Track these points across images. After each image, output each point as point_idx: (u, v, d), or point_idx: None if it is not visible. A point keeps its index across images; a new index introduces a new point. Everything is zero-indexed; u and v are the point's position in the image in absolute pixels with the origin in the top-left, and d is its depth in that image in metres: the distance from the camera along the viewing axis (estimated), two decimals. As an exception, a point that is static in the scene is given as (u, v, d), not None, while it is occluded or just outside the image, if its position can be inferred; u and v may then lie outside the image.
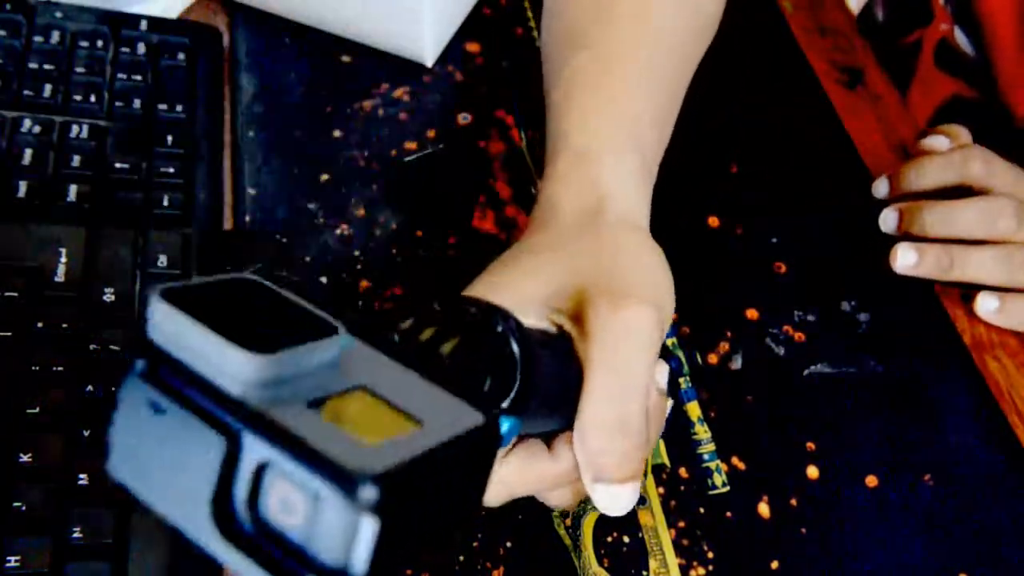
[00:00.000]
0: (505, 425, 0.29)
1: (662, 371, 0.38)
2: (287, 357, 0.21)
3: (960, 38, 0.65)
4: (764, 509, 0.44)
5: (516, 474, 0.35)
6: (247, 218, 0.52)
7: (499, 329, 0.30)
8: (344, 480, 0.19)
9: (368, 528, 0.19)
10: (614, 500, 0.35)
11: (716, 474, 0.45)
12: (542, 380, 0.31)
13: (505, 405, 0.29)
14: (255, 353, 0.20)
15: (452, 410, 0.23)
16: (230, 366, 0.20)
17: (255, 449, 0.20)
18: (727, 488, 0.45)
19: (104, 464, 0.22)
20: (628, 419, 0.34)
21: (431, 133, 0.57)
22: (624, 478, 0.34)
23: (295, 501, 0.20)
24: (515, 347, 0.30)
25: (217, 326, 0.21)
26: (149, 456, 0.22)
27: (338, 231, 0.52)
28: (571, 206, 0.40)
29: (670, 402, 0.41)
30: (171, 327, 0.21)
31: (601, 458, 0.34)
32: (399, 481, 0.19)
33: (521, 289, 0.36)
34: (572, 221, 0.39)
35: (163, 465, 0.21)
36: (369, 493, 0.19)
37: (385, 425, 0.22)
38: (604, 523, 0.43)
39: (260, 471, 0.20)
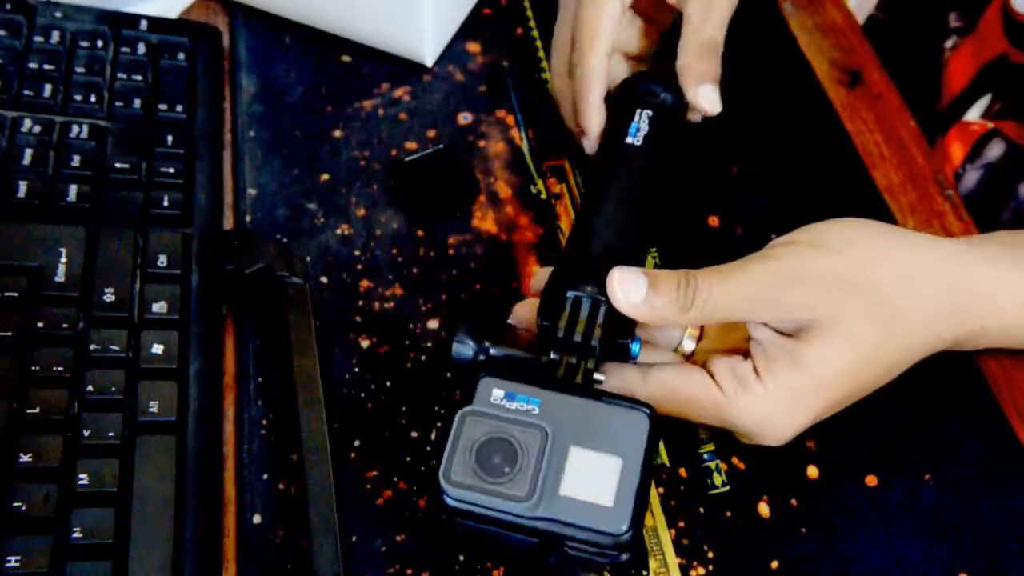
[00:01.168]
0: (635, 347, 0.42)
1: None
2: (538, 482, 0.37)
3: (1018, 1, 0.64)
4: (764, 509, 0.44)
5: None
6: (247, 218, 0.52)
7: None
8: (609, 537, 0.36)
9: (630, 549, 0.37)
10: (711, 97, 0.49)
11: (716, 474, 0.45)
12: None
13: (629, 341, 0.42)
14: (521, 501, 0.36)
15: (628, 422, 0.38)
16: (512, 508, 0.37)
17: (553, 536, 0.37)
18: (727, 488, 0.45)
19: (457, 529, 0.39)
20: (716, 48, 0.49)
21: (431, 133, 0.57)
22: (715, 79, 0.49)
23: (586, 548, 0.37)
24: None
25: (488, 476, 0.37)
26: (486, 537, 0.39)
27: (338, 231, 0.52)
28: None
29: None
30: (461, 496, 0.37)
31: (702, 68, 0.49)
32: (634, 516, 0.37)
33: None
34: None
35: (498, 544, 0.39)
36: (625, 537, 0.36)
37: (601, 470, 0.37)
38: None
39: (559, 542, 0.37)
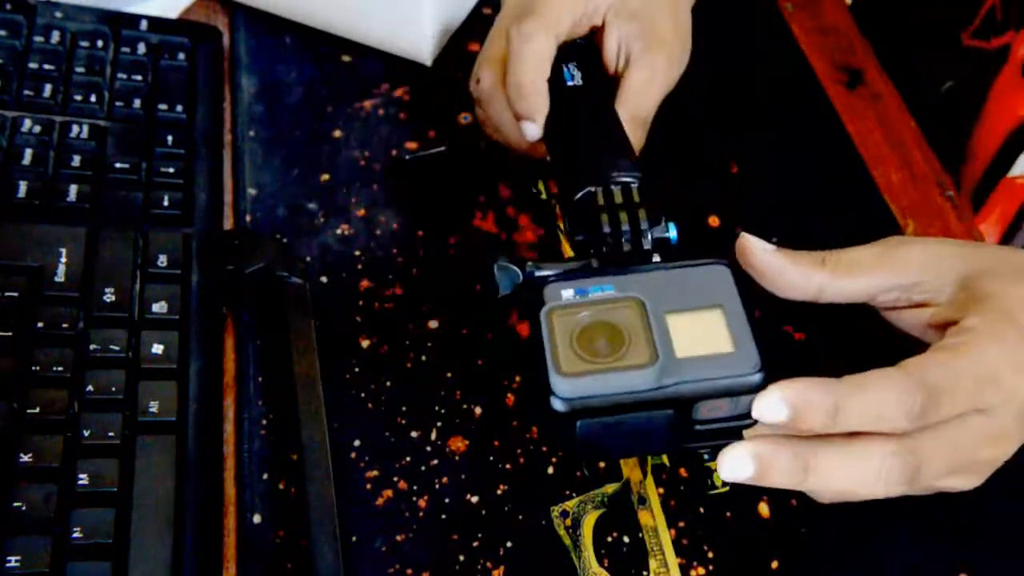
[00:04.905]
0: (673, 230, 0.41)
1: None
2: (655, 347, 0.34)
3: None
4: (764, 509, 0.44)
5: None
6: (247, 218, 0.52)
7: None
8: (745, 379, 0.34)
9: (764, 378, 0.34)
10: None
11: (716, 474, 0.45)
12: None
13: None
14: (645, 367, 0.34)
15: (711, 276, 0.37)
16: (636, 381, 0.34)
17: (685, 401, 0.34)
18: (727, 488, 0.45)
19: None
20: (646, 123, 0.49)
21: (431, 133, 0.57)
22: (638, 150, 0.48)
23: (720, 404, 0.34)
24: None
25: (601, 358, 0.34)
26: (607, 439, 0.35)
27: (338, 231, 0.52)
28: None
29: None
30: (578, 388, 0.34)
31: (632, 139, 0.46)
32: (761, 353, 0.34)
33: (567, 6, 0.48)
34: None
35: (622, 443, 0.36)
36: (759, 377, 0.34)
37: (706, 325, 0.35)
38: (604, 523, 0.43)
39: (690, 406, 0.34)
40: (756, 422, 0.35)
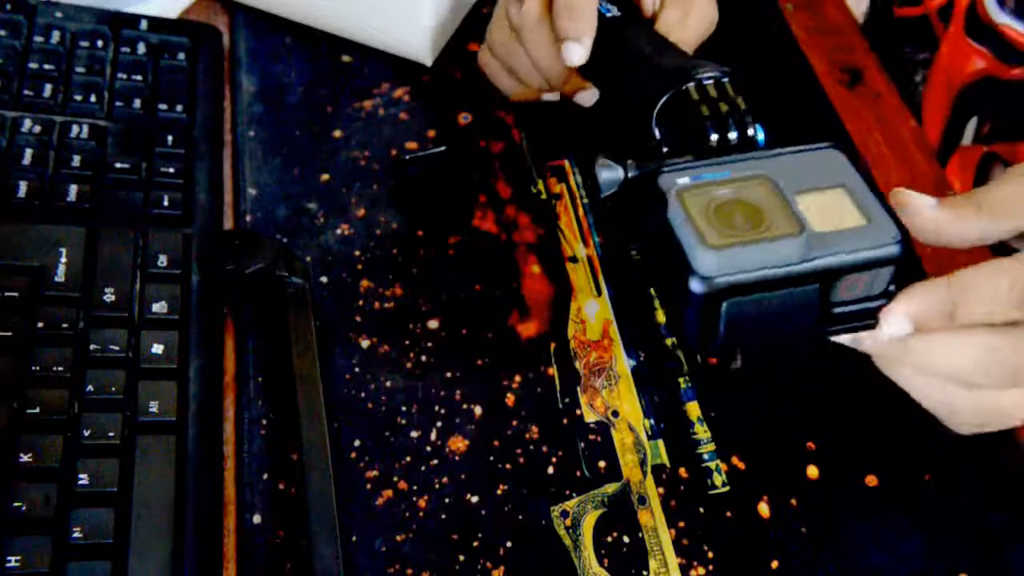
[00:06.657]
0: (760, 131, 0.41)
1: None
2: (798, 218, 0.34)
3: (991, 3, 0.63)
4: (764, 509, 0.44)
5: None
6: (247, 218, 0.52)
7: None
8: (890, 247, 0.34)
9: (904, 248, 0.34)
10: None
11: (716, 474, 0.45)
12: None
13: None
14: (796, 237, 0.33)
15: (824, 159, 0.37)
16: (786, 253, 0.33)
17: (833, 273, 0.34)
18: (727, 488, 0.45)
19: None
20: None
21: (431, 133, 0.57)
22: None
23: (859, 281, 0.34)
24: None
25: (747, 230, 0.34)
26: (752, 319, 0.34)
27: (338, 231, 0.52)
28: None
29: None
30: (728, 263, 0.33)
31: None
32: (896, 222, 0.35)
33: None
34: None
35: (766, 323, 0.35)
36: (901, 247, 0.34)
37: (833, 203, 0.35)
38: (604, 523, 0.43)
39: (838, 278, 0.34)
40: (887, 302, 0.35)
